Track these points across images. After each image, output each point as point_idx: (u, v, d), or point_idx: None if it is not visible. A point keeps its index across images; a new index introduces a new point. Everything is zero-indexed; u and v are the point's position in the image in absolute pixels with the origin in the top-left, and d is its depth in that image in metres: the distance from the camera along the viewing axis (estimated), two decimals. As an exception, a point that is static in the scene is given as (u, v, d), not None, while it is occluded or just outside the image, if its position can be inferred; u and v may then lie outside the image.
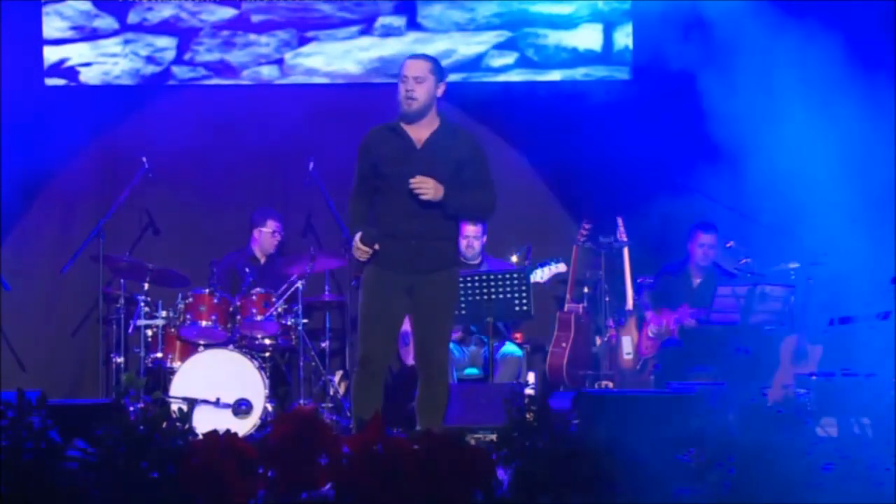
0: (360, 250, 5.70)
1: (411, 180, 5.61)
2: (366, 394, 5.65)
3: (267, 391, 7.84)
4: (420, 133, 5.74)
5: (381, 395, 5.73)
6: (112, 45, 9.21)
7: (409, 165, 5.67)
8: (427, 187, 5.61)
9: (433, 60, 5.83)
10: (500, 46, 9.27)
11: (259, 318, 8.05)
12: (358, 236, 5.72)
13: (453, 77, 9.25)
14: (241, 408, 7.82)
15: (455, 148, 5.75)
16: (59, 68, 9.21)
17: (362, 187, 5.84)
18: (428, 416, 5.72)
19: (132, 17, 9.20)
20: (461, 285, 7.50)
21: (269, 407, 7.84)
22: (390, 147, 5.75)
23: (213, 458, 3.92)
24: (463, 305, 7.53)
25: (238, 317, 8.08)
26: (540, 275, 8.24)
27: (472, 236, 8.26)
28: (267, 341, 8.19)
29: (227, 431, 4.03)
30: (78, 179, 9.19)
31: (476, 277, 7.56)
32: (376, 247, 5.68)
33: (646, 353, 8.43)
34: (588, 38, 9.29)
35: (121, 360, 8.30)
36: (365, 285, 5.78)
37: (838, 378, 7.53)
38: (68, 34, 9.21)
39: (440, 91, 5.77)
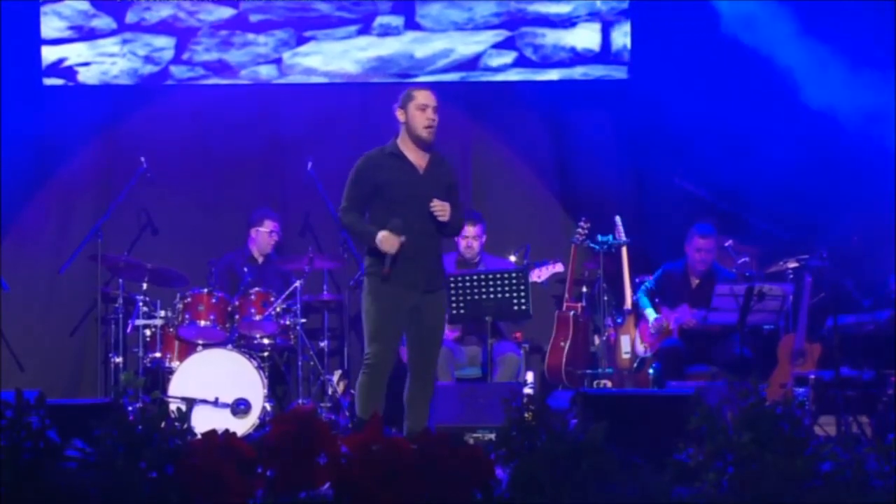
0: (390, 241, 6.01)
1: (432, 204, 6.07)
2: (372, 395, 6.07)
3: (265, 391, 7.84)
4: (419, 159, 6.21)
5: (383, 397, 6.15)
6: (110, 44, 9.21)
7: (415, 189, 6.12)
8: (446, 211, 6.10)
9: None
10: (499, 46, 9.27)
11: (257, 317, 8.06)
12: (383, 232, 6.03)
13: (451, 76, 9.28)
14: (240, 407, 7.83)
15: (447, 174, 6.30)
16: (57, 68, 9.21)
17: (356, 209, 6.23)
18: (418, 411, 6.14)
19: (130, 17, 9.20)
20: (460, 285, 7.52)
21: (268, 406, 7.85)
22: (396, 172, 6.17)
23: (211, 457, 3.92)
24: (462, 305, 7.53)
25: (236, 316, 8.09)
26: (537, 275, 8.24)
27: (471, 236, 8.26)
28: (265, 341, 8.20)
29: (226, 431, 4.03)
30: (76, 179, 9.18)
31: (475, 277, 7.55)
32: (402, 238, 6.02)
33: (643, 352, 8.43)
34: (586, 37, 9.29)
35: (119, 359, 8.30)
36: (374, 294, 6.13)
37: (837, 377, 7.53)
38: (66, 34, 9.20)
39: None
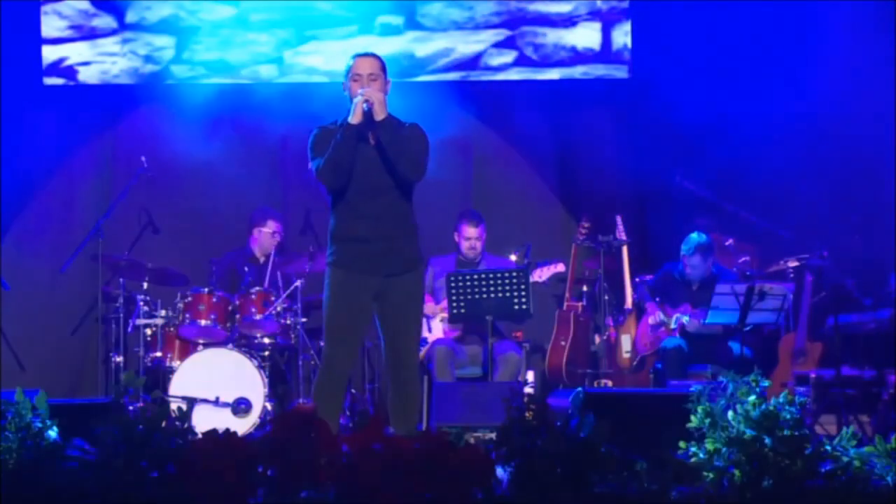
0: (359, 100, 5.65)
1: (362, 91, 5.64)
2: (326, 397, 5.65)
3: (266, 390, 7.83)
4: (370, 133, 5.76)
5: (343, 396, 5.95)
6: (111, 44, 9.21)
7: (367, 164, 5.70)
8: (373, 94, 5.64)
9: None
10: (499, 45, 9.27)
11: (258, 316, 8.05)
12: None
13: (452, 76, 9.28)
14: (241, 407, 7.82)
15: (399, 130, 5.79)
16: (57, 67, 9.21)
17: None
18: (402, 418, 5.73)
19: (131, 16, 9.20)
20: (460, 284, 7.51)
21: (269, 406, 7.84)
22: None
23: (212, 457, 3.92)
24: (463, 304, 7.52)
25: (237, 316, 8.08)
26: (539, 275, 8.23)
27: (473, 238, 8.23)
28: (266, 340, 8.19)
29: (227, 430, 4.03)
30: (77, 179, 9.19)
31: (475, 276, 7.55)
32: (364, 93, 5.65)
33: (644, 350, 8.43)
34: (586, 36, 9.28)
35: (120, 359, 8.29)
36: (331, 288, 5.75)
37: (837, 376, 7.54)
38: (67, 33, 9.21)
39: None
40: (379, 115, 5.64)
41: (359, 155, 5.71)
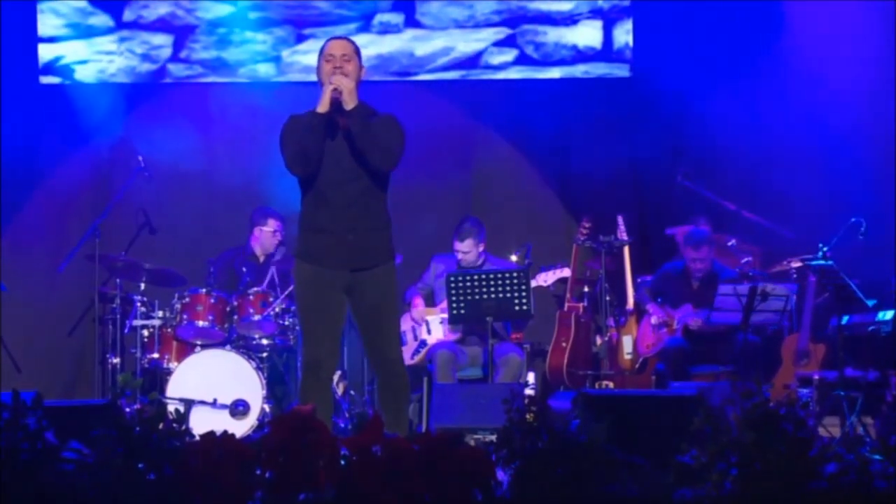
0: (327, 88, 5.44)
1: (332, 79, 5.44)
2: (313, 398, 5.41)
3: (264, 391, 7.81)
4: (341, 120, 5.57)
5: (331, 399, 5.83)
6: (107, 42, 9.19)
7: (335, 152, 5.53)
8: (342, 81, 5.45)
9: None
10: (500, 44, 9.24)
11: (256, 317, 8.02)
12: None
13: (452, 74, 9.25)
14: (239, 408, 7.79)
15: (369, 117, 5.59)
16: (54, 66, 9.18)
17: None
18: (392, 414, 5.57)
19: (128, 15, 9.18)
20: (460, 284, 7.47)
21: (267, 407, 7.81)
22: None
23: (209, 459, 3.89)
24: (462, 305, 7.48)
25: (235, 316, 8.05)
26: (544, 279, 8.18)
27: (461, 251, 8.09)
28: (264, 341, 8.16)
29: (225, 432, 4.00)
30: (73, 178, 9.17)
31: (475, 277, 7.52)
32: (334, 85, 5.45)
33: (645, 352, 8.40)
34: (588, 35, 9.26)
35: (117, 360, 8.26)
36: (300, 286, 5.64)
37: (841, 377, 7.50)
38: (63, 32, 9.18)
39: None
40: (348, 105, 5.45)
41: (328, 144, 5.53)
